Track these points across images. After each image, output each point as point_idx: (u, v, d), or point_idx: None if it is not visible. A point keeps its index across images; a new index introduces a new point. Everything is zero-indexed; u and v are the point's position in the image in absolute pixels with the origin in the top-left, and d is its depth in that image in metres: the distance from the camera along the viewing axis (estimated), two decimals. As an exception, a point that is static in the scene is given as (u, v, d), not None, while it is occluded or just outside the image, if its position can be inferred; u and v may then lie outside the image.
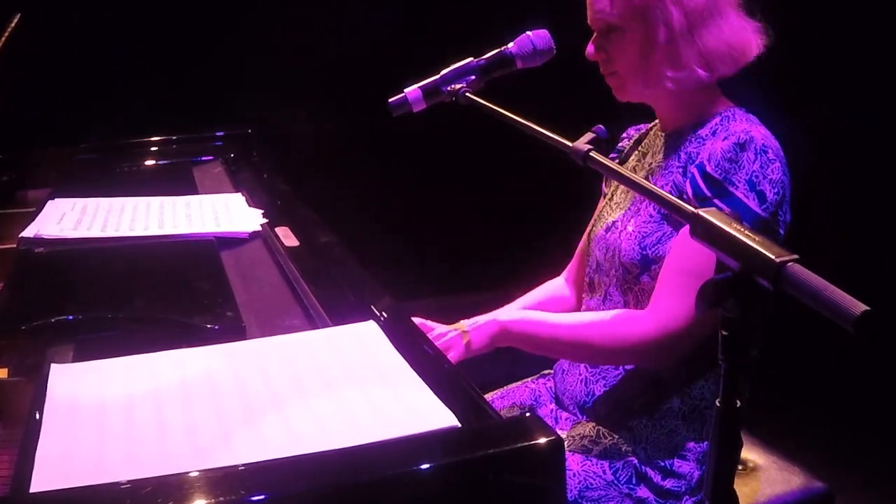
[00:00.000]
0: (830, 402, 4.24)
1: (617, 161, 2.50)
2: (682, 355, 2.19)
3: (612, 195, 2.47)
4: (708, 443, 2.20)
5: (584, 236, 2.59)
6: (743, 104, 2.28)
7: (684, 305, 2.10)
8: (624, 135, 2.59)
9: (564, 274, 2.71)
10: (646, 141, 2.48)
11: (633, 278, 2.26)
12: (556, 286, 2.70)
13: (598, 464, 2.22)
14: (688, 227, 2.07)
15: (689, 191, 2.14)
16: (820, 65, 3.99)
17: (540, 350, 2.33)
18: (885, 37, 4.11)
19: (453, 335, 2.26)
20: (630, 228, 2.28)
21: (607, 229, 2.39)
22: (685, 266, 2.13)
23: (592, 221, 2.53)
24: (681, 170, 2.22)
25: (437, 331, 2.29)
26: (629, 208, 2.36)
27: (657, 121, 2.43)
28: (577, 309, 2.60)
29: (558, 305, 2.64)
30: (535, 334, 2.26)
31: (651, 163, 2.37)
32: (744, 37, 2.22)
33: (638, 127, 2.56)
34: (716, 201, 2.09)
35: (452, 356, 2.22)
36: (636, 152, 2.49)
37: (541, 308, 2.60)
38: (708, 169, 2.13)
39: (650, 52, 2.20)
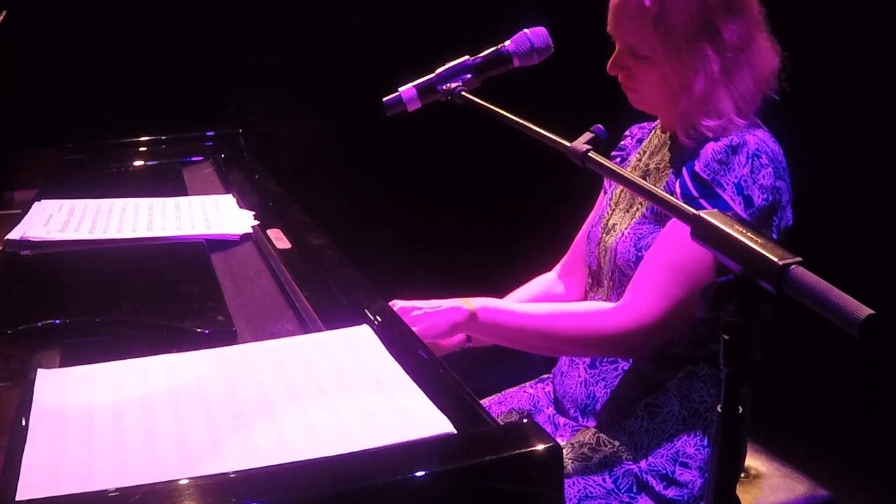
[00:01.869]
0: (835, 407, 4.24)
1: (619, 160, 2.51)
2: (655, 347, 2.22)
3: (613, 195, 2.47)
4: (709, 450, 2.21)
5: (583, 233, 2.60)
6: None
7: (658, 299, 2.12)
8: (626, 133, 2.59)
9: (558, 269, 2.72)
10: (647, 140, 2.49)
11: (628, 280, 2.26)
12: (550, 281, 2.71)
13: (598, 472, 2.23)
14: (672, 221, 2.13)
15: (678, 190, 2.16)
16: (824, 66, 3.99)
17: (507, 341, 2.32)
18: (889, 39, 4.11)
19: (415, 313, 2.21)
20: (626, 230, 2.30)
21: (607, 231, 2.40)
22: (663, 260, 2.15)
23: (592, 221, 2.54)
24: (674, 171, 2.24)
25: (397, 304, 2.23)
26: (627, 210, 2.37)
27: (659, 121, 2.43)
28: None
29: (552, 300, 2.65)
30: (502, 323, 2.23)
31: (648, 163, 2.38)
32: (767, 64, 2.22)
33: (641, 125, 2.56)
34: (701, 201, 2.11)
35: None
36: (637, 152, 2.50)
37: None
38: (697, 168, 2.15)
39: (687, 99, 2.19)
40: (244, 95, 4.34)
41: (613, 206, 2.45)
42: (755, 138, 2.15)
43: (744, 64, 2.18)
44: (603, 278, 2.41)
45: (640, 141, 2.52)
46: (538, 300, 2.64)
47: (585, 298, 2.57)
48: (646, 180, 2.27)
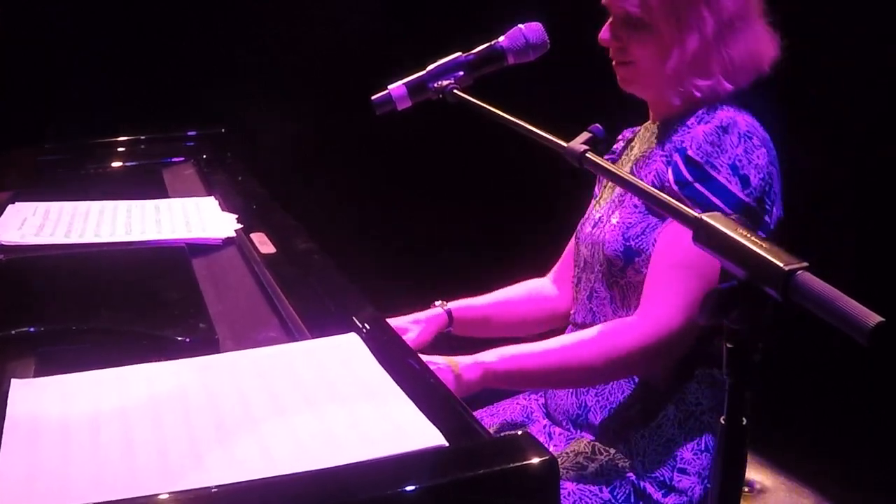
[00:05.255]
0: (843, 419, 4.23)
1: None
2: (681, 355, 2.22)
3: (601, 197, 2.51)
4: (707, 455, 2.22)
5: (573, 237, 2.62)
6: (751, 105, 2.29)
7: (677, 303, 2.13)
8: (619, 137, 2.64)
9: (551, 274, 2.75)
10: (637, 136, 2.53)
11: (618, 271, 2.30)
12: (538, 285, 2.73)
13: (594, 482, 2.23)
14: (671, 221, 2.15)
15: (671, 177, 2.17)
16: (833, 64, 3.99)
17: (531, 384, 2.35)
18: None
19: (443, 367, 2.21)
20: (614, 220, 2.32)
21: (593, 225, 2.44)
22: (673, 260, 2.16)
23: (581, 222, 2.56)
24: (664, 158, 2.27)
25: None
26: (613, 200, 2.40)
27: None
28: (562, 308, 2.63)
29: (538, 305, 2.68)
30: (522, 369, 2.22)
31: (637, 154, 2.42)
32: (763, 47, 2.29)
33: (633, 129, 2.59)
34: (697, 185, 2.13)
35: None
36: (626, 150, 2.54)
37: (519, 307, 2.65)
38: (689, 152, 2.17)
39: (679, 57, 2.25)
40: (230, 94, 4.32)
41: (601, 203, 2.49)
42: (744, 119, 2.20)
43: (739, 33, 2.25)
44: (586, 277, 2.44)
45: (629, 142, 2.57)
46: (521, 304, 2.68)
47: (566, 304, 2.59)
48: (635, 170, 2.35)
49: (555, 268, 2.75)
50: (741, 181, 2.12)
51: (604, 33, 2.33)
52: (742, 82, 2.28)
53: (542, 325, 2.70)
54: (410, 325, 2.53)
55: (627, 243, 2.26)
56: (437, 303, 2.64)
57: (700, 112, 2.29)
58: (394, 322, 2.45)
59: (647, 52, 2.28)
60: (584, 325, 2.41)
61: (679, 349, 2.19)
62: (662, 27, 2.24)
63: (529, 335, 2.62)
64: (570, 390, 2.40)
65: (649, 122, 2.49)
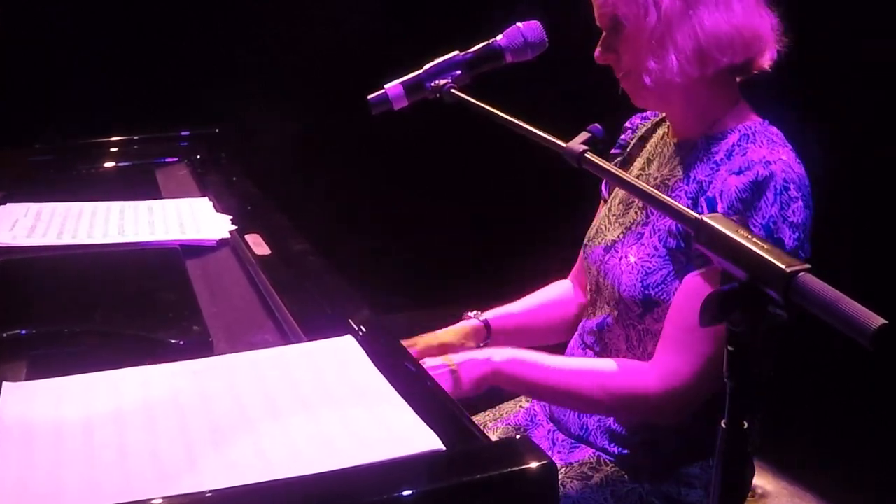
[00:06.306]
0: (845, 422, 4.22)
1: (620, 157, 2.47)
2: (686, 414, 2.16)
3: (612, 205, 2.42)
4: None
5: (582, 248, 2.57)
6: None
7: (691, 365, 2.07)
8: (627, 124, 2.54)
9: (571, 276, 2.70)
10: (652, 143, 2.41)
11: (636, 317, 2.22)
12: (564, 289, 2.68)
13: (599, 491, 2.21)
14: (693, 275, 2.08)
15: None
16: (833, 62, 3.99)
17: (532, 394, 2.33)
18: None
19: (441, 371, 2.19)
20: (632, 259, 2.22)
21: (606, 249, 2.33)
22: (686, 322, 2.07)
23: (590, 231, 2.51)
24: (691, 199, 2.14)
25: (427, 363, 2.23)
26: (630, 230, 2.29)
27: (662, 115, 2.40)
28: (583, 311, 2.60)
29: (567, 309, 2.62)
30: (528, 379, 2.21)
31: (657, 176, 2.28)
32: (751, 20, 2.11)
33: (644, 116, 2.50)
34: None
35: None
36: (641, 154, 2.43)
37: (551, 312, 2.60)
38: (719, 209, 2.04)
39: (641, 40, 2.11)
40: (224, 93, 4.32)
41: (612, 219, 2.38)
42: (781, 166, 2.03)
43: (707, 7, 2.08)
44: (604, 303, 2.34)
45: (643, 139, 2.46)
46: (547, 307, 2.63)
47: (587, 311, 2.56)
48: None
49: (573, 271, 2.71)
50: (775, 245, 2.01)
51: (597, 52, 2.22)
52: (727, 60, 2.09)
53: (570, 330, 2.60)
54: (455, 342, 2.47)
55: (647, 292, 2.17)
56: (470, 314, 2.56)
57: (729, 141, 2.14)
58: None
59: (632, 54, 2.15)
60: (591, 346, 2.37)
61: (689, 408, 2.14)
62: (628, 14, 2.12)
63: (558, 341, 2.61)
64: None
65: (666, 131, 2.36)
